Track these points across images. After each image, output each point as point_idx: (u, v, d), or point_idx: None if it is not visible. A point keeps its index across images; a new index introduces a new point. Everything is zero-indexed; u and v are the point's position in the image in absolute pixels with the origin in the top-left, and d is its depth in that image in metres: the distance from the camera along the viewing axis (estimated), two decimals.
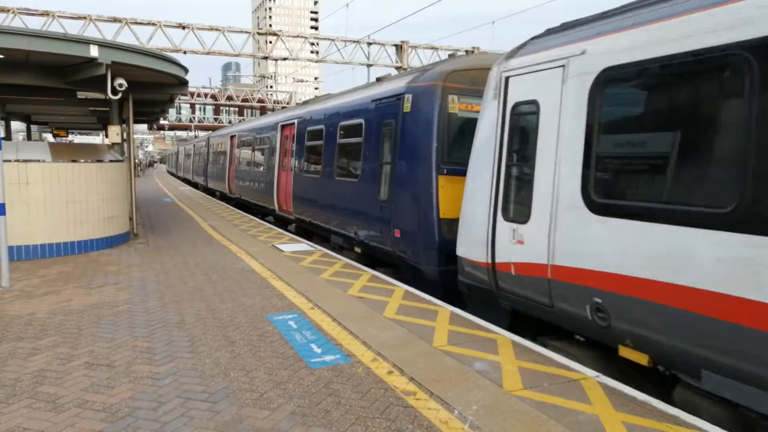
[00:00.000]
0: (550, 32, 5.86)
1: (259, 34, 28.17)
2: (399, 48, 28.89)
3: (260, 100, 56.29)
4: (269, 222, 16.21)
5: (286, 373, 4.61)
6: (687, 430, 3.64)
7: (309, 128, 12.80)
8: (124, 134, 13.04)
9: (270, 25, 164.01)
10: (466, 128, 7.72)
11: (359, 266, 9.08)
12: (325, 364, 4.81)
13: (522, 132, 5.79)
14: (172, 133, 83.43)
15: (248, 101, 56.26)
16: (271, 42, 28.68)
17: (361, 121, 9.83)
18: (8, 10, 21.36)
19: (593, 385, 4.34)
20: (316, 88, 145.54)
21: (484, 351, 5.10)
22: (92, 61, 9.38)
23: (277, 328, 5.78)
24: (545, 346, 5.54)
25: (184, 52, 24.80)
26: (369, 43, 28.65)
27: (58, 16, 22.52)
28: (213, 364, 4.79)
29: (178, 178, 47.32)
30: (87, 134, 46.63)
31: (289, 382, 4.41)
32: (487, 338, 5.47)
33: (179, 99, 36.60)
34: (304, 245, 11.19)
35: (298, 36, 29.49)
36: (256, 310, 6.46)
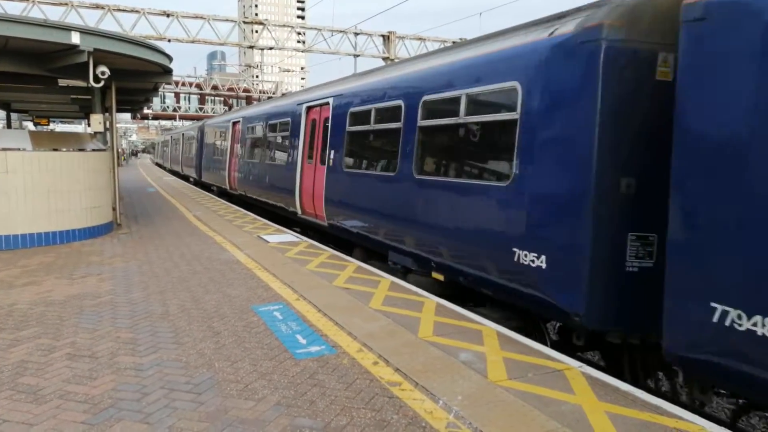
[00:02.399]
0: None
1: (245, 22, 27.88)
2: (386, 38, 28.78)
3: (246, 90, 55.82)
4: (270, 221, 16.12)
5: (271, 363, 4.59)
6: (669, 419, 3.69)
7: (369, 107, 9.10)
8: (107, 123, 12.85)
9: (256, 14, 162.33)
10: None
11: (345, 257, 9.06)
12: (311, 354, 4.80)
13: None
14: (156, 122, 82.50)
15: (234, 91, 55.78)
16: (257, 31, 28.39)
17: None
18: None
19: (577, 376, 4.38)
20: (302, 78, 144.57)
21: (470, 342, 5.12)
22: (74, 48, 9.22)
23: (263, 319, 5.76)
24: None
25: (169, 41, 24.50)
26: (356, 33, 28.51)
27: (38, 1, 22.08)
28: (197, 355, 4.76)
29: (168, 171, 42.85)
30: (69, 123, 45.97)
31: (274, 373, 4.39)
32: (472, 329, 5.50)
33: (163, 88, 36.19)
34: (289, 236, 11.14)
35: (284, 25, 29.25)
36: (241, 301, 6.43)
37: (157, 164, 55.76)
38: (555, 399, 3.96)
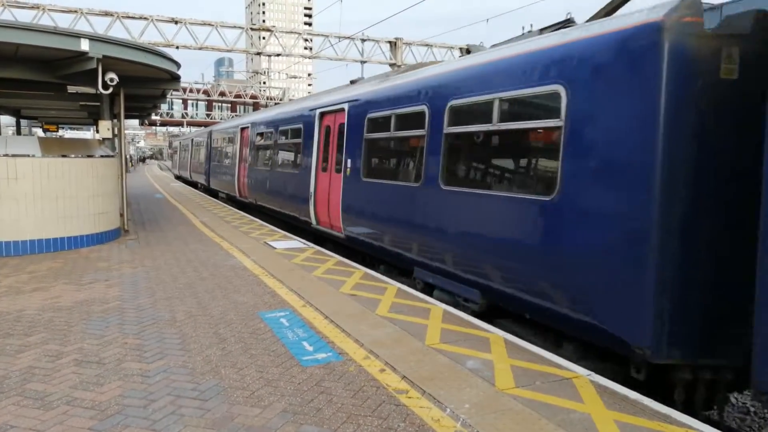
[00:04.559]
0: None
1: (252, 29, 28.04)
2: (393, 45, 28.86)
3: (253, 96, 56.12)
4: (272, 224, 16.14)
5: (277, 370, 4.58)
6: (678, 429, 3.65)
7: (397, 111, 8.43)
8: (115, 129, 12.94)
9: (263, 21, 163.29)
10: None
11: (352, 264, 9.05)
12: (317, 362, 4.78)
13: None
14: (163, 128, 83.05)
15: (241, 97, 56.09)
16: (264, 38, 28.56)
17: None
18: None
19: (585, 384, 4.35)
20: (309, 85, 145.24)
21: (477, 349, 5.09)
22: (83, 55, 9.29)
23: (269, 326, 5.75)
24: None
25: (177, 47, 24.66)
26: (363, 40, 28.61)
27: (48, 9, 22.31)
28: (204, 362, 4.76)
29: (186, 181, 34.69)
30: (78, 129, 46.31)
31: (281, 380, 4.38)
32: (479, 336, 5.47)
33: (171, 94, 36.36)
34: (296, 242, 11.15)
35: (291, 32, 29.40)
36: (248, 308, 6.42)
37: (179, 177, 40.02)
38: (563, 407, 3.92)
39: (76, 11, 22.74)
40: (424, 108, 7.66)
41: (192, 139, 33.34)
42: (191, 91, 54.30)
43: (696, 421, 3.80)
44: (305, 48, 35.42)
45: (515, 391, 4.20)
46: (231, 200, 21.25)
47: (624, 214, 4.61)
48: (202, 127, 37.85)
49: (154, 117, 53.56)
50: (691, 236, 4.38)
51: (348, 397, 4.08)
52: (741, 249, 4.26)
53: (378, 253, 9.00)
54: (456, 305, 6.83)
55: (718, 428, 3.94)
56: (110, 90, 10.18)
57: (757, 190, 3.99)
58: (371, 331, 5.57)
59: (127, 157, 35.43)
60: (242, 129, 18.73)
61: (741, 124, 4.35)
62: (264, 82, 62.72)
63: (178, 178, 40.12)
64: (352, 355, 4.95)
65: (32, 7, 22.11)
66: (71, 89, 12.54)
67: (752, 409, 6.60)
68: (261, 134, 16.28)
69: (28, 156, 9.57)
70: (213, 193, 24.82)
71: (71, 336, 5.41)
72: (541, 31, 6.63)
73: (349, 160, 9.81)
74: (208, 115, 70.28)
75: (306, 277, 7.96)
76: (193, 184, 31.68)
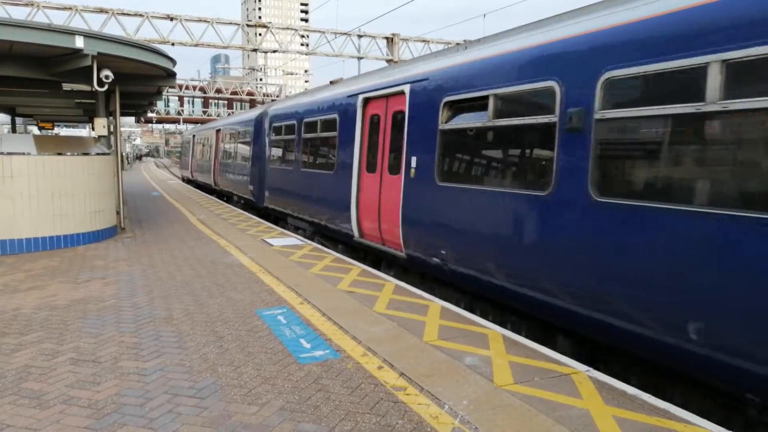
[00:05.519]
0: None
1: (248, 26, 27.95)
2: (390, 41, 28.81)
3: (250, 93, 56.05)
4: (263, 219, 16.09)
5: (275, 368, 4.56)
6: (677, 424, 3.64)
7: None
8: (111, 127, 12.88)
9: (259, 17, 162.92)
10: None
11: (349, 261, 9.04)
12: (315, 359, 4.77)
13: None
14: (160, 126, 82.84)
15: (237, 94, 55.99)
16: (260, 34, 28.47)
17: None
18: None
19: (584, 380, 4.34)
20: (306, 81, 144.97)
21: (475, 345, 5.08)
22: (78, 52, 9.23)
23: (266, 323, 5.73)
24: None
25: (172, 44, 24.58)
26: (359, 36, 28.55)
27: (42, 6, 22.19)
28: (201, 360, 4.74)
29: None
30: (73, 127, 46.17)
31: (278, 378, 4.37)
32: (477, 333, 5.46)
33: (167, 91, 36.24)
34: (293, 239, 11.12)
35: (287, 28, 29.31)
36: (245, 305, 6.40)
37: (190, 181, 30.97)
38: (562, 403, 3.92)
39: (70, 8, 22.64)
40: None
41: (218, 130, 22.62)
42: (187, 88, 54.17)
43: (694, 416, 3.79)
44: (302, 44, 35.35)
45: (514, 387, 4.19)
46: (330, 240, 11.44)
47: None
48: (241, 111, 25.35)
49: (150, 114, 53.41)
50: None
51: (346, 395, 4.07)
52: None
53: None
54: None
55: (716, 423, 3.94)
56: (105, 87, 10.13)
57: None
58: (369, 328, 5.55)
59: (123, 154, 35.20)
60: (367, 100, 9.46)
61: None
62: (260, 79, 62.60)
63: (189, 181, 30.87)
64: (350, 352, 4.93)
65: (26, 4, 21.99)
66: (66, 87, 12.45)
67: None
68: (464, 104, 6.80)
69: (24, 154, 9.52)
70: (272, 217, 15.44)
71: (67, 335, 5.38)
72: None
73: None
74: (204, 112, 70.16)
75: (303, 274, 7.94)
76: (220, 195, 22.45)
